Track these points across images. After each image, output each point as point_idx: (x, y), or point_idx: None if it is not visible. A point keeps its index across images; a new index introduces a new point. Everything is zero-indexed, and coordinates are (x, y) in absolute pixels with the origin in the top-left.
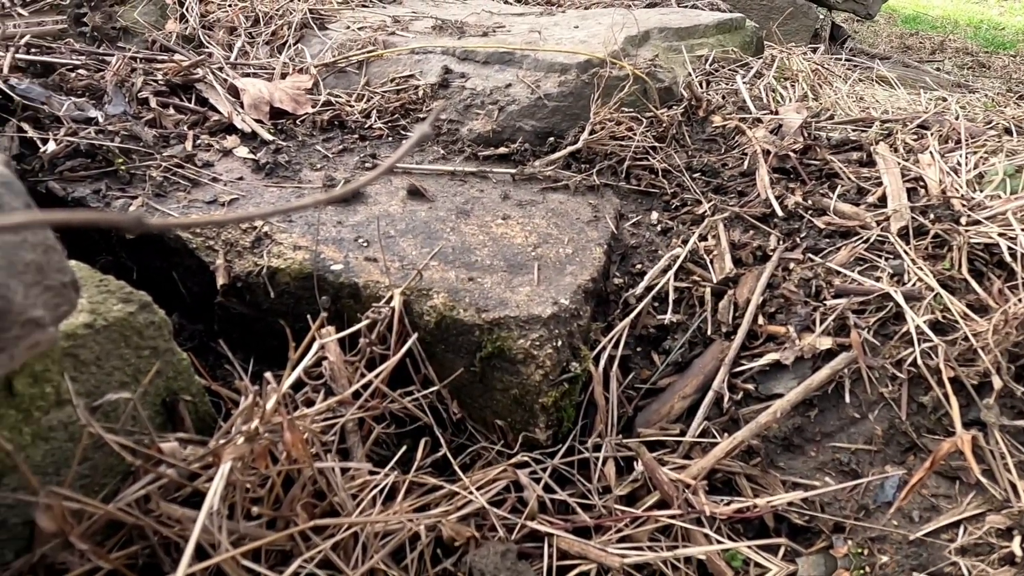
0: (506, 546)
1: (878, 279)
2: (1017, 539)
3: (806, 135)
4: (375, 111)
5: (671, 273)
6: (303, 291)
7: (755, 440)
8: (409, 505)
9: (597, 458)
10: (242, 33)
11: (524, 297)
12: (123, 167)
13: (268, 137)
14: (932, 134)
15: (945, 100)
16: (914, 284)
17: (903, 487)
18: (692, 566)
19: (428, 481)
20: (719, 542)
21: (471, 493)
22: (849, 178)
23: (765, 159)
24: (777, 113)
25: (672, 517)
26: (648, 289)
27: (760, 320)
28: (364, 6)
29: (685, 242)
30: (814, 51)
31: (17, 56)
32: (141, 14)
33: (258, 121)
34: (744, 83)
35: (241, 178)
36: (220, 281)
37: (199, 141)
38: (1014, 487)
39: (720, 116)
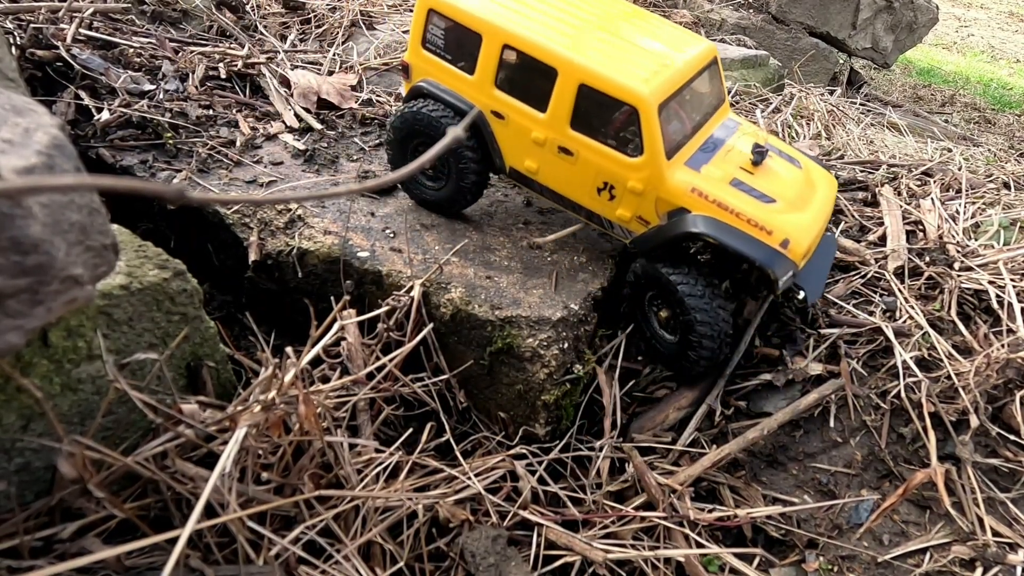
0: (497, 531)
1: (871, 313)
2: (979, 570)
3: None
4: None
5: None
6: (329, 274)
7: (741, 454)
8: (410, 484)
9: (591, 457)
10: (293, 27)
11: (536, 299)
12: (171, 141)
13: (317, 125)
14: (935, 182)
15: (950, 151)
16: (905, 321)
17: (876, 511)
18: (671, 567)
19: (430, 463)
20: (699, 546)
21: (469, 478)
22: (853, 216)
23: None
24: None
25: (657, 519)
26: None
27: (757, 342)
28: (411, 11)
29: None
30: (831, 93)
31: (80, 30)
32: None
33: (305, 110)
34: (763, 116)
35: (281, 162)
36: (252, 257)
37: (245, 124)
38: (981, 521)
39: None
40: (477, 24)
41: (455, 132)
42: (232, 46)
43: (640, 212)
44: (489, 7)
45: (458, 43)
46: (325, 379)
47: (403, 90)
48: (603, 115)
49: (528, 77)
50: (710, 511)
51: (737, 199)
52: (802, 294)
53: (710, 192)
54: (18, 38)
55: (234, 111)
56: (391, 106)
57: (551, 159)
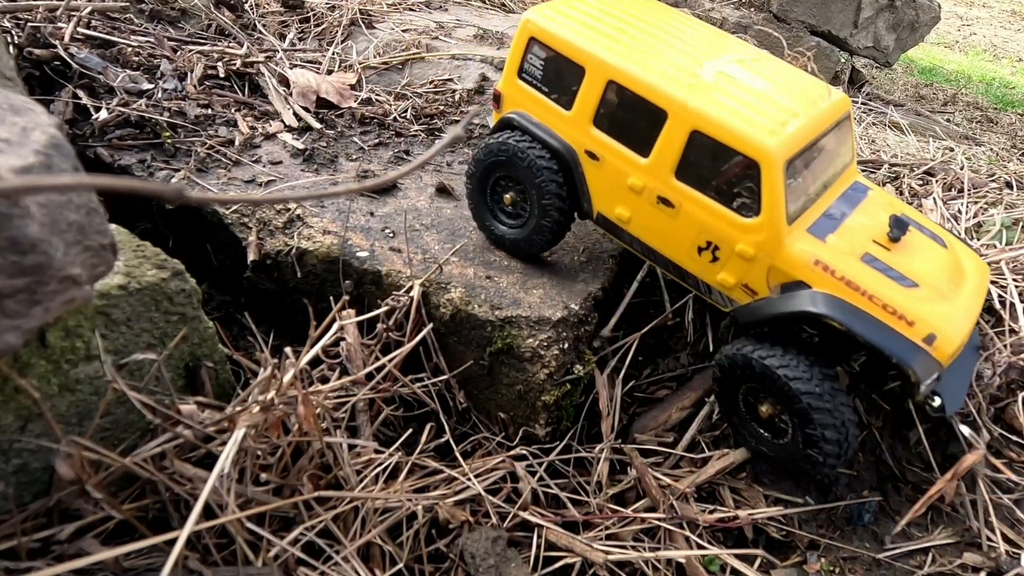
0: (497, 533)
1: None
2: (983, 572)
3: None
4: (412, 110)
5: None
6: (328, 274)
7: (743, 456)
8: (409, 485)
9: (592, 458)
10: (292, 26)
11: (537, 299)
12: (169, 140)
13: (316, 125)
14: (937, 181)
15: (952, 150)
16: None
17: (879, 512)
18: (672, 568)
19: (429, 464)
20: (700, 547)
21: (469, 479)
22: None
23: None
24: None
25: (658, 520)
26: (656, 303)
27: None
28: (411, 10)
29: None
30: None
31: (78, 29)
32: None
33: (305, 109)
34: None
35: (280, 162)
36: (251, 257)
37: (244, 123)
38: (989, 524)
39: None
40: (581, 57)
41: (455, 131)
42: (231, 45)
43: (747, 280)
44: (596, 39)
45: (558, 75)
46: (324, 379)
47: (491, 120)
48: (716, 167)
49: (632, 118)
50: (711, 512)
51: (871, 278)
52: (938, 401)
53: (837, 267)
54: (16, 37)
55: (233, 110)
56: (390, 105)
57: (647, 209)
